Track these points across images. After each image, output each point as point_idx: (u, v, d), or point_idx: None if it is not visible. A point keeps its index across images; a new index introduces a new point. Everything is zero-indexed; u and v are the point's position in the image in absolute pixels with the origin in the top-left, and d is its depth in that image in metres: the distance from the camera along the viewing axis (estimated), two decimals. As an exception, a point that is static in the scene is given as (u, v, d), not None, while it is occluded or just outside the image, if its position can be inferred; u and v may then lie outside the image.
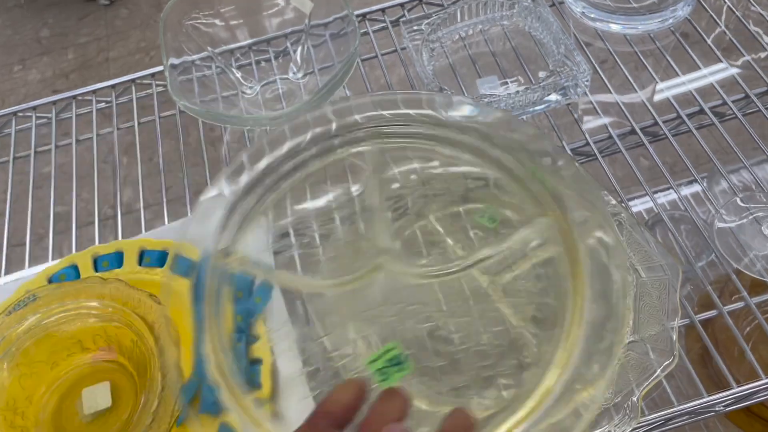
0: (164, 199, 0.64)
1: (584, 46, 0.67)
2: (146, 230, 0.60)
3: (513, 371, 0.39)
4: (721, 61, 0.65)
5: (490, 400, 0.38)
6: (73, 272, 0.55)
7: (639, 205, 0.93)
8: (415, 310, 0.41)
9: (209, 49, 0.68)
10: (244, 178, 0.42)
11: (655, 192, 0.97)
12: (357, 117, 0.42)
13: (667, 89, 0.65)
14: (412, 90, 0.49)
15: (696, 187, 0.99)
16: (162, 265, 0.54)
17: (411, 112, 0.42)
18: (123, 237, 0.61)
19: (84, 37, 1.93)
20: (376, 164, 0.43)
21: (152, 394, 0.44)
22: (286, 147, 0.42)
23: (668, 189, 0.97)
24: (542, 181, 0.39)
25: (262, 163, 0.42)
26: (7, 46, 1.93)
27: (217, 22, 0.67)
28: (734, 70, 0.65)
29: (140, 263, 0.55)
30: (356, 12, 0.74)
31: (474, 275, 0.41)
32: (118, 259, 0.55)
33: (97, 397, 0.48)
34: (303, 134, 0.43)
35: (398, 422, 0.30)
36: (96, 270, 0.55)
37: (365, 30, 0.73)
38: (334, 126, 0.43)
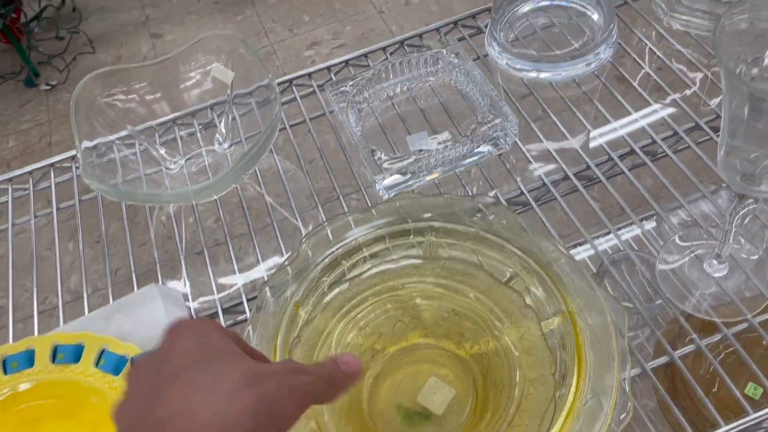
0: (109, 284, 0.60)
1: (512, 97, 0.67)
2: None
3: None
4: (650, 103, 0.65)
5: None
6: (-21, 377, 0.50)
7: (595, 248, 0.91)
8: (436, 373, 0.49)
9: (128, 127, 0.65)
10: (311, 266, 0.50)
11: (608, 234, 0.96)
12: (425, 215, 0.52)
13: (599, 135, 0.65)
14: (462, 195, 0.56)
15: (647, 226, 0.98)
16: (77, 361, 0.50)
17: (461, 215, 0.51)
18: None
19: (25, 123, 1.89)
20: (430, 250, 0.52)
21: None
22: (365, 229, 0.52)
23: (620, 229, 0.96)
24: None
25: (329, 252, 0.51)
26: (-54, 137, 1.88)
27: (135, 97, 0.65)
28: (665, 112, 0.65)
29: (53, 360, 0.50)
30: (283, 78, 0.73)
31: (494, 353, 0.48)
32: (28, 358, 0.50)
33: None
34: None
35: None
36: (5, 372, 0.50)
37: (293, 96, 0.72)
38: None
